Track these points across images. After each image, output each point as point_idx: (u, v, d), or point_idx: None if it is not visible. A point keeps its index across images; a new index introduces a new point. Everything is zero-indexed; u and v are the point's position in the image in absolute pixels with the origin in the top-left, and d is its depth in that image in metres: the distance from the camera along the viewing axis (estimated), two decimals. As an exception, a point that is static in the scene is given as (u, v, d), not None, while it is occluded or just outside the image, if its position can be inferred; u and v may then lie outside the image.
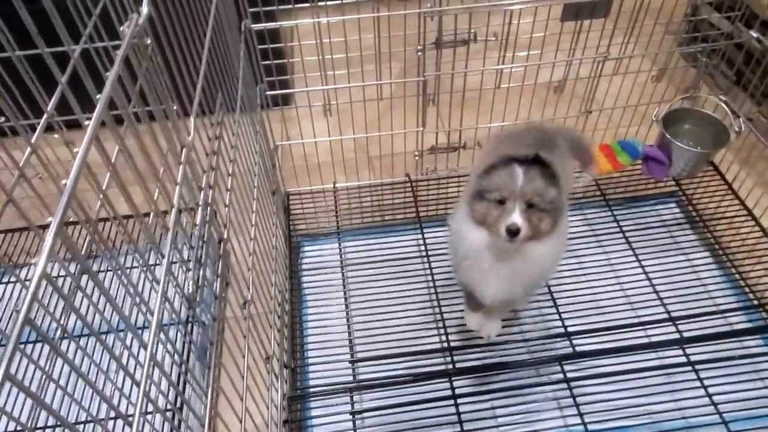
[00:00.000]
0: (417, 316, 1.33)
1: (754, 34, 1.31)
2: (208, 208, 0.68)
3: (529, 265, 0.95)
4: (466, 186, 0.99)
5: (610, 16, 1.23)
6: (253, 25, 1.17)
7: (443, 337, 1.26)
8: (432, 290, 1.35)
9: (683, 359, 1.17)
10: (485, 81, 1.34)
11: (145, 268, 0.68)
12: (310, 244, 1.57)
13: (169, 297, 0.59)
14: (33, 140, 0.62)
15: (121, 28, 0.46)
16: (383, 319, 1.32)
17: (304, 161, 1.50)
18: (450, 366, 1.18)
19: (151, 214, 0.57)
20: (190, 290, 0.60)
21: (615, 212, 1.48)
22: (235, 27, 1.08)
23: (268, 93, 1.30)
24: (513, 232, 0.86)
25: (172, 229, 0.53)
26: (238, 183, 0.93)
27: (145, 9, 0.50)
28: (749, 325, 1.28)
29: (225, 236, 0.76)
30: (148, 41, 0.80)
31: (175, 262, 0.72)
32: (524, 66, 1.32)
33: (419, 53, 1.24)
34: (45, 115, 0.64)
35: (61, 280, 1.35)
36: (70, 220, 0.50)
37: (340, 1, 1.16)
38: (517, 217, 0.86)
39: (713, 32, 1.45)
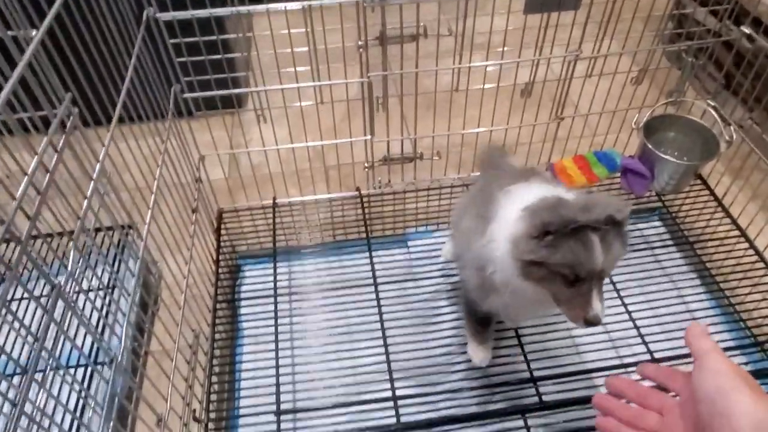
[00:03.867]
0: (363, 365, 1.15)
1: (747, 30, 1.15)
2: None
3: None
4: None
5: (581, 8, 1.06)
6: (159, 14, 0.98)
7: (388, 385, 1.05)
8: (381, 337, 1.13)
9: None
10: (442, 83, 1.16)
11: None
12: (251, 267, 1.39)
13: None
14: None
15: None
16: (320, 361, 1.15)
17: (239, 174, 1.31)
18: (394, 419, 0.99)
19: None
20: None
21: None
22: (130, 16, 0.90)
23: (187, 95, 1.11)
24: (593, 324, 0.75)
25: None
26: (116, 199, 0.74)
27: None
28: (746, 367, 1.11)
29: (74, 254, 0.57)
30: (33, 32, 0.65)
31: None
32: (484, 65, 1.15)
33: (360, 50, 1.06)
34: None
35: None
36: None
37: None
38: (597, 307, 0.74)
39: (699, 29, 1.28)
